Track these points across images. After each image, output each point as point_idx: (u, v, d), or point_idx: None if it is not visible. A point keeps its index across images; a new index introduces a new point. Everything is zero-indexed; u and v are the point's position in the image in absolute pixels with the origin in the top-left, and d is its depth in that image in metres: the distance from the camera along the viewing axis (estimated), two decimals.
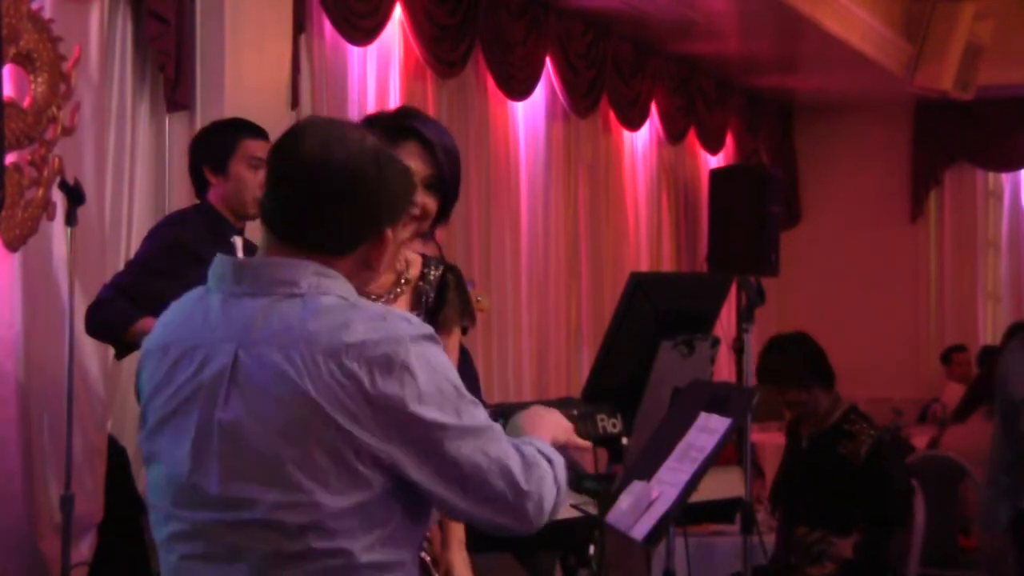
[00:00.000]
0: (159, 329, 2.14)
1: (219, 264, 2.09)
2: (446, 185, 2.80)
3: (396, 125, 2.76)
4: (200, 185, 4.35)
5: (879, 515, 5.02)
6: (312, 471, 1.95)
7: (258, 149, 4.31)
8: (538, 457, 2.09)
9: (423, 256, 2.92)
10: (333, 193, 2.02)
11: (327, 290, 2.01)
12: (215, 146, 4.30)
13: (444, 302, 2.86)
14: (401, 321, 2.02)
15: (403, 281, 2.82)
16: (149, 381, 2.10)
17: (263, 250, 2.09)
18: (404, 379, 1.96)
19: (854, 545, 5.00)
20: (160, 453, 2.07)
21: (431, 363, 2.00)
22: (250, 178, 4.27)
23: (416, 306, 2.83)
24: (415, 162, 2.71)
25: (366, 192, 2.03)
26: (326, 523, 1.96)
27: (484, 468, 2.01)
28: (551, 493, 2.08)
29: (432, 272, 2.87)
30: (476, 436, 2.01)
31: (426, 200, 2.77)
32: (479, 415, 2.04)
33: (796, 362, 5.15)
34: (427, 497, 2.02)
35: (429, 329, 2.05)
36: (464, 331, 2.97)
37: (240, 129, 4.34)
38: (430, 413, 1.97)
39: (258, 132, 4.35)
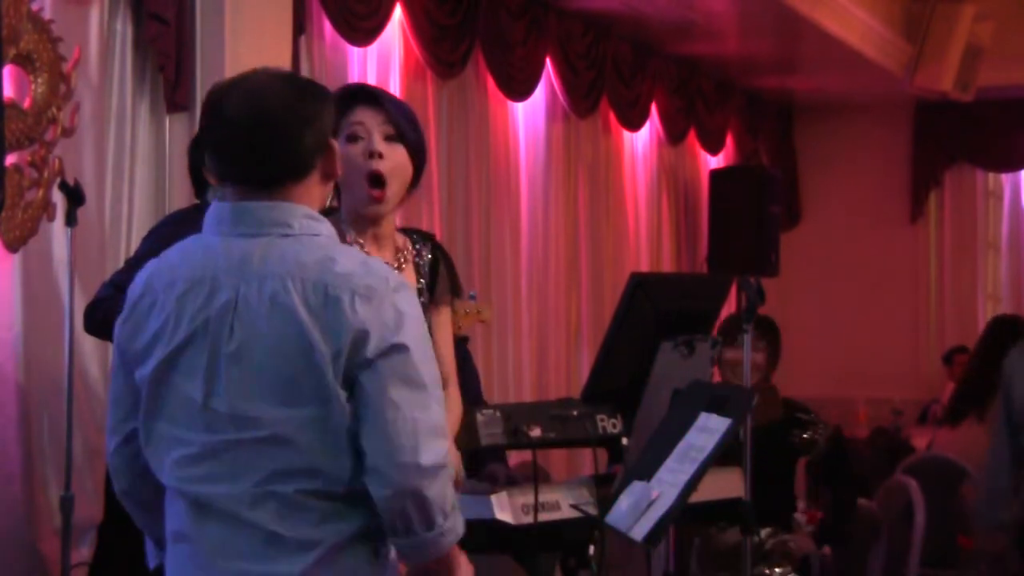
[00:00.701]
0: (157, 271, 2.31)
1: (217, 209, 2.29)
2: (407, 139, 2.90)
3: (340, 98, 2.85)
4: (199, 185, 4.34)
5: (844, 482, 5.18)
6: (306, 387, 2.16)
7: None
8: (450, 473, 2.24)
9: (405, 231, 3.05)
10: (275, 133, 2.24)
11: (316, 231, 2.26)
12: None
13: (437, 276, 3.02)
14: (382, 266, 2.27)
15: (402, 259, 2.96)
16: (153, 316, 2.26)
17: (239, 201, 2.28)
18: (383, 310, 2.18)
19: (826, 505, 5.10)
20: (174, 382, 2.23)
21: (413, 305, 2.24)
22: None
23: (418, 281, 2.98)
24: (370, 120, 2.85)
25: (296, 120, 2.25)
26: (318, 439, 2.17)
27: (408, 421, 2.17)
28: (445, 496, 2.21)
29: (423, 249, 3.02)
30: (423, 393, 2.20)
31: (392, 151, 2.86)
32: (435, 375, 2.25)
33: (771, 329, 5.28)
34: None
35: (405, 280, 2.30)
36: (463, 339, 3.05)
37: None
38: (401, 339, 2.18)
39: None
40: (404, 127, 2.89)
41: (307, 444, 2.18)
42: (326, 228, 2.29)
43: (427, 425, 2.18)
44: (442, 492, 2.20)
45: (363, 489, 2.19)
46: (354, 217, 2.92)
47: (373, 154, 2.85)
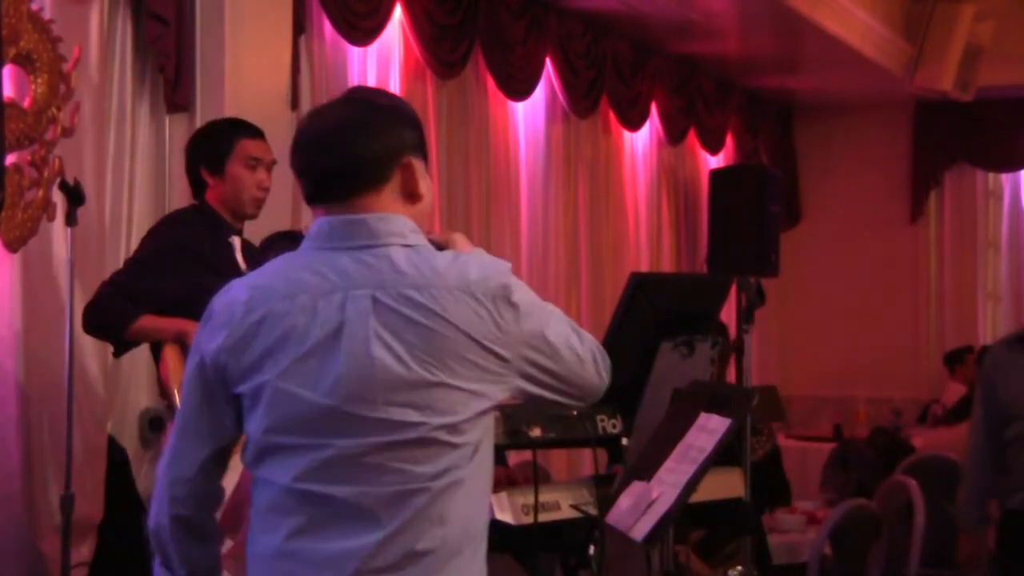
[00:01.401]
0: (262, 287, 2.27)
1: (325, 224, 2.29)
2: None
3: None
4: (197, 186, 4.34)
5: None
6: (462, 388, 2.21)
7: (255, 149, 4.31)
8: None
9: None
10: (330, 140, 2.28)
11: (423, 243, 2.30)
12: (212, 147, 4.30)
13: None
14: (491, 260, 2.32)
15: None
16: (266, 330, 2.23)
17: (329, 216, 2.29)
18: (515, 300, 2.27)
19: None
20: (294, 390, 2.21)
21: (523, 286, 2.31)
22: (248, 178, 4.27)
23: None
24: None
25: (354, 127, 2.28)
26: (474, 432, 2.24)
27: (572, 347, 2.34)
28: (599, 357, 2.40)
29: None
30: (559, 321, 2.34)
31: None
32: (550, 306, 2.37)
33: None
34: (534, 398, 2.34)
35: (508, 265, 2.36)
36: None
37: (236, 129, 4.33)
38: (550, 327, 2.31)
39: (255, 132, 4.35)
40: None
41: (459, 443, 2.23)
42: (424, 240, 2.32)
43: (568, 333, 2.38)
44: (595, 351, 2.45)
45: None
46: None
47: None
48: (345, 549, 2.18)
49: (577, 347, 2.34)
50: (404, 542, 2.18)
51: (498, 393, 2.26)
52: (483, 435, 2.27)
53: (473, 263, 2.27)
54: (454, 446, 2.21)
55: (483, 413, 2.25)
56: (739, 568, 4.87)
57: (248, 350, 2.25)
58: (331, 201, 2.29)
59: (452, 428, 2.20)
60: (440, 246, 2.40)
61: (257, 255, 4.08)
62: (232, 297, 2.30)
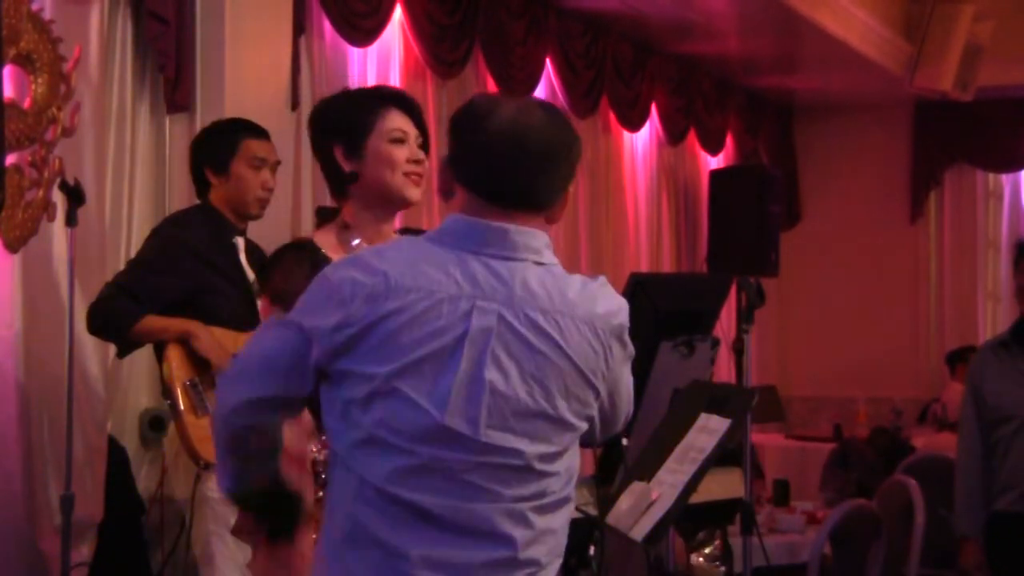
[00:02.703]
0: (401, 272, 2.18)
1: (461, 223, 2.24)
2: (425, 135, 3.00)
3: (373, 98, 2.94)
4: (201, 186, 4.35)
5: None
6: (564, 420, 2.21)
7: (259, 149, 4.31)
8: None
9: (403, 232, 3.05)
10: (543, 156, 2.24)
11: (555, 261, 2.27)
12: (216, 147, 4.30)
13: None
14: (614, 295, 2.32)
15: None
16: (393, 316, 2.16)
17: (471, 214, 2.24)
18: (625, 345, 2.33)
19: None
20: (400, 392, 2.16)
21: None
22: (252, 178, 4.27)
23: None
24: (407, 125, 2.92)
25: (562, 152, 2.27)
26: (563, 460, 2.24)
27: (628, 400, 2.43)
28: None
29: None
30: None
31: (423, 155, 2.96)
32: None
33: None
34: (589, 432, 2.34)
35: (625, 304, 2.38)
36: None
37: (241, 129, 4.34)
38: (627, 375, 2.39)
39: (259, 132, 4.35)
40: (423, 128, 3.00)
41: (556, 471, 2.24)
42: (555, 258, 2.30)
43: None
44: None
45: None
46: (363, 220, 2.92)
47: (419, 161, 2.94)
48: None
49: (629, 400, 2.41)
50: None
51: (584, 424, 2.27)
52: (573, 461, 2.28)
53: (602, 295, 2.28)
54: (547, 475, 2.21)
55: (574, 442, 2.27)
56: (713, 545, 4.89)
57: (364, 339, 2.17)
58: (514, 209, 2.24)
59: (547, 457, 2.20)
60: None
61: (268, 267, 4.09)
62: (353, 278, 2.20)
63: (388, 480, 2.17)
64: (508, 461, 2.17)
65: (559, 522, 2.26)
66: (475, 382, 2.15)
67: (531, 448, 2.18)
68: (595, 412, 2.29)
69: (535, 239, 2.24)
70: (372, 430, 2.18)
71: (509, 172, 2.24)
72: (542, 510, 2.21)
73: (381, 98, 2.96)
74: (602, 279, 2.32)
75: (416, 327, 2.16)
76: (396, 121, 2.92)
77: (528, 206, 2.25)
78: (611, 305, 2.28)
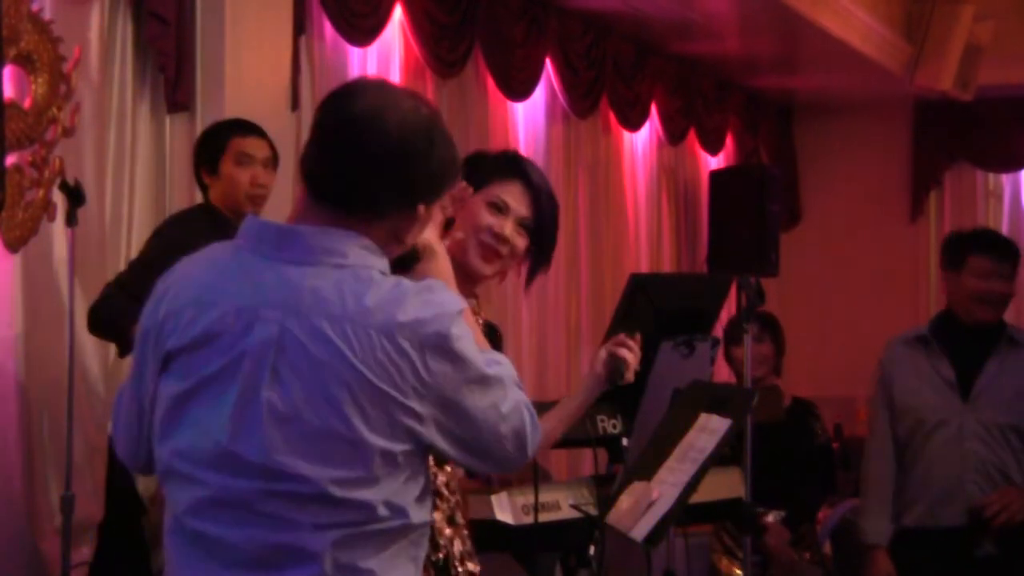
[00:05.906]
0: (186, 280, 2.06)
1: (257, 225, 2.07)
2: (544, 232, 2.91)
3: (502, 161, 2.88)
4: (203, 189, 4.38)
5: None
6: (363, 441, 1.94)
7: (246, 145, 4.34)
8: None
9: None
10: (378, 155, 2.01)
11: (372, 264, 2.01)
12: (208, 148, 4.36)
13: None
14: (446, 293, 2.04)
15: (477, 318, 2.81)
16: (178, 335, 2.02)
17: (300, 209, 2.07)
18: (454, 359, 1.98)
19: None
20: (191, 416, 2.00)
21: (470, 337, 2.03)
22: (239, 175, 4.32)
23: None
24: (516, 202, 2.84)
25: (410, 161, 2.02)
26: (380, 488, 1.97)
27: (498, 429, 2.05)
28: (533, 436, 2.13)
29: (481, 322, 2.90)
30: (497, 391, 2.05)
31: (517, 239, 2.87)
32: (503, 373, 2.08)
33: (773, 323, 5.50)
34: (444, 454, 2.05)
35: (463, 302, 2.08)
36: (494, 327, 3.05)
37: (230, 128, 4.38)
38: (473, 396, 2.02)
39: (248, 129, 4.37)
40: (547, 219, 2.89)
41: (355, 500, 1.97)
42: (381, 263, 2.03)
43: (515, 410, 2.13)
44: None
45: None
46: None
47: (502, 239, 2.83)
48: None
49: (506, 425, 2.05)
50: None
51: (406, 447, 1.98)
52: (400, 496, 1.99)
53: (413, 300, 1.98)
54: (351, 504, 1.95)
55: (396, 471, 1.98)
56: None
57: (173, 359, 2.04)
58: (317, 196, 2.04)
59: (346, 483, 1.94)
60: (414, 254, 2.25)
61: None
62: (174, 279, 2.10)
63: (186, 513, 2.02)
64: (299, 489, 1.94)
65: (381, 566, 1.98)
66: (253, 403, 1.95)
67: (324, 473, 1.93)
68: (428, 435, 1.99)
69: (339, 241, 2.00)
70: (168, 460, 2.04)
71: (334, 168, 2.02)
72: (350, 546, 1.96)
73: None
74: (429, 282, 2.05)
75: (205, 343, 1.99)
76: None
77: (353, 210, 2.01)
78: (423, 312, 1.97)
